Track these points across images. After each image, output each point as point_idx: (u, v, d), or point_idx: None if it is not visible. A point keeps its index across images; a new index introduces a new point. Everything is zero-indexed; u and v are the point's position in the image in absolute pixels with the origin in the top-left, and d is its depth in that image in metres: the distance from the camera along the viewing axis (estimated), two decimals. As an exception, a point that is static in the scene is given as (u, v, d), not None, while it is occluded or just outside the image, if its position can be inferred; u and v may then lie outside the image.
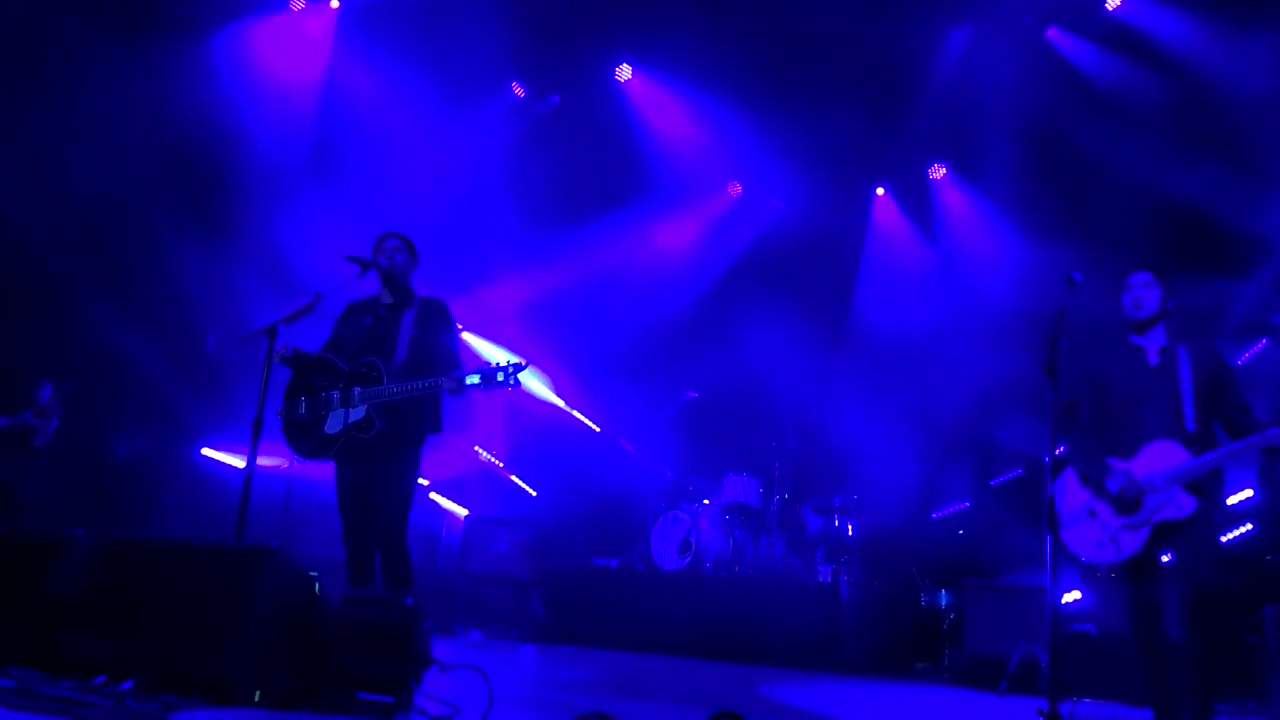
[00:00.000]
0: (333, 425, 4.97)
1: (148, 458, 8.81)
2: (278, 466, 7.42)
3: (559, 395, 10.63)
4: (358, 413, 4.90)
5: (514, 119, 10.55)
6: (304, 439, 5.07)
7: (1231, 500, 7.45)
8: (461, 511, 9.71)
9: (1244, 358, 8.12)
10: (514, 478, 10.52)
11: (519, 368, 4.70)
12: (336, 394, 4.99)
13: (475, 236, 9.93)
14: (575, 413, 10.79)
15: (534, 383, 10.28)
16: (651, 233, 10.83)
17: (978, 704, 6.11)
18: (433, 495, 9.59)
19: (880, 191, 10.77)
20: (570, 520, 9.63)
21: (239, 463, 8.94)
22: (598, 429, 10.73)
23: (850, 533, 8.61)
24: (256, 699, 3.82)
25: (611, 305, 10.45)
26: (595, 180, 10.40)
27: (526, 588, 8.42)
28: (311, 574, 4.28)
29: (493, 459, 10.45)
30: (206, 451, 8.99)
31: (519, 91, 10.57)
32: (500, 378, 4.68)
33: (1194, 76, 8.18)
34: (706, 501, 8.79)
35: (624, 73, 10.48)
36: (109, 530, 4.35)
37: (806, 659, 7.27)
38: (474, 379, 4.74)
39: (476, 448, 10.32)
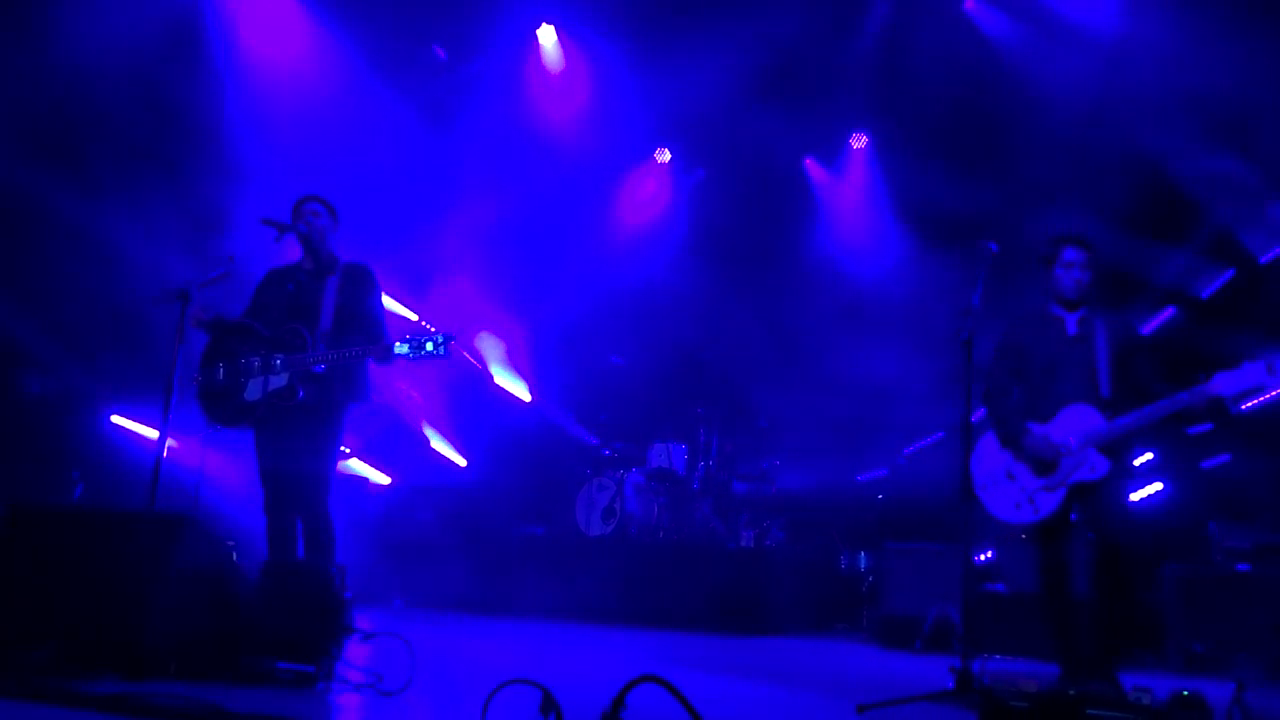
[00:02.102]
0: (252, 393, 4.86)
1: (56, 409, 8.45)
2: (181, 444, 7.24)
3: (485, 362, 10.55)
4: (279, 380, 4.80)
5: (436, 82, 10.34)
6: (221, 406, 4.95)
7: (1136, 462, 7.77)
8: (384, 479, 9.61)
9: (1151, 325, 8.41)
10: (439, 445, 10.43)
11: (449, 337, 4.64)
12: (257, 361, 4.88)
13: (397, 202, 9.75)
14: (501, 380, 10.73)
15: (461, 351, 10.17)
16: (577, 198, 10.75)
17: (894, 662, 6.28)
18: (355, 462, 9.46)
19: (808, 161, 10.85)
20: (495, 487, 9.59)
21: (151, 433, 8.70)
22: (526, 397, 10.69)
23: (773, 498, 8.76)
24: (171, 670, 3.75)
25: (538, 272, 10.37)
26: (520, 145, 10.28)
27: (450, 555, 8.38)
28: (228, 543, 4.22)
29: (418, 426, 10.34)
30: (116, 419, 8.72)
31: (440, 54, 10.36)
32: (430, 347, 4.62)
33: (1113, 45, 8.35)
34: (632, 468, 8.84)
35: (547, 35, 10.35)
36: (15, 497, 4.21)
37: (730, 622, 7.38)
38: (403, 348, 4.66)
39: (402, 415, 10.20)
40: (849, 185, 10.69)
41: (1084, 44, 8.53)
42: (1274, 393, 4.54)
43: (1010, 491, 4.66)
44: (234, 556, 4.18)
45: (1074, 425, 4.55)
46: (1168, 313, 8.46)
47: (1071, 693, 4.24)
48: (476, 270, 10.30)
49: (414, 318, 9.83)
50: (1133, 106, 8.18)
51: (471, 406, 10.44)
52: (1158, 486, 7.85)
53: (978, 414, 4.71)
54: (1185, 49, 7.70)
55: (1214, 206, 8.22)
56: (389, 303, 7.43)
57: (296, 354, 4.80)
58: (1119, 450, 4.52)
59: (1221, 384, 4.27)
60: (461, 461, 10.36)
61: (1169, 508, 7.81)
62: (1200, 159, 8.06)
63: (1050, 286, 4.81)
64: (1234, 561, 6.75)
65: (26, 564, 3.93)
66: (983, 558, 7.29)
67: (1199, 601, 6.46)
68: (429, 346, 4.60)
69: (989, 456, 4.77)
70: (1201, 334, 7.96)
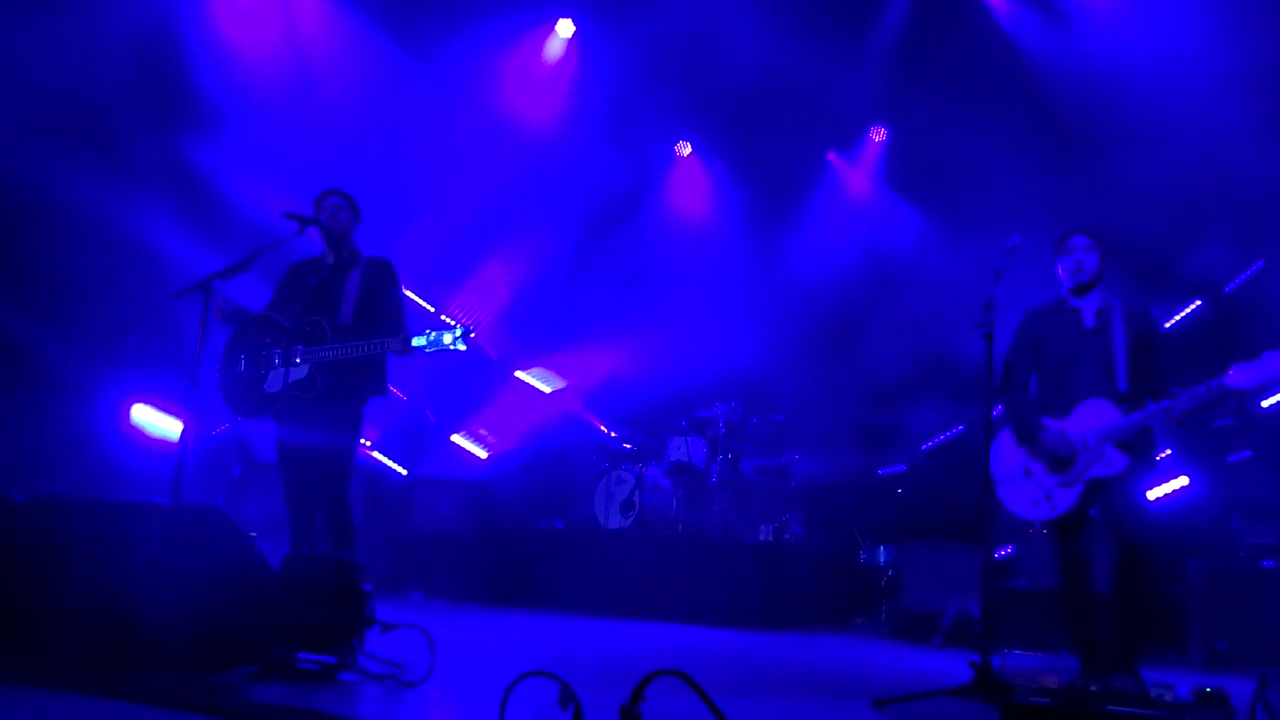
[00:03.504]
0: (273, 384, 4.90)
1: (77, 399, 8.48)
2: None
3: (504, 356, 10.57)
4: (299, 372, 4.84)
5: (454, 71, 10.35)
6: (242, 397, 5.00)
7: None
8: (403, 471, 9.66)
9: (1177, 317, 8.33)
10: (459, 439, 10.46)
11: (467, 331, 4.66)
12: (278, 352, 4.92)
13: (414, 193, 9.77)
14: (520, 374, 10.76)
15: (480, 344, 10.20)
16: (595, 190, 10.74)
17: (913, 657, 6.27)
18: (375, 454, 9.52)
19: (830, 156, 10.81)
20: (514, 480, 9.62)
21: (174, 424, 8.76)
22: (546, 390, 10.71)
23: (791, 492, 8.74)
24: (193, 661, 3.78)
25: (555, 265, 10.38)
26: (532, 139, 10.29)
27: (470, 548, 8.41)
28: (251, 534, 4.24)
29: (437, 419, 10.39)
30: (139, 409, 8.78)
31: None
32: (447, 340, 4.64)
33: (1130, 36, 8.28)
34: (651, 462, 8.85)
35: (565, 28, 10.36)
36: (41, 489, 4.25)
37: (748, 616, 7.38)
38: (420, 341, 4.68)
39: (427, 411, 10.25)
40: (870, 178, 10.65)
41: (1106, 31, 8.45)
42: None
43: (1027, 488, 4.61)
44: (256, 548, 4.21)
45: (1091, 420, 4.48)
46: (1194, 304, 8.37)
47: (1093, 688, 4.22)
48: (495, 260, 10.33)
49: (432, 310, 9.87)
50: (1151, 99, 8.10)
51: (493, 399, 10.47)
52: (1183, 481, 7.77)
53: (997, 409, 4.68)
54: (1204, 35, 7.62)
55: (1242, 198, 8.12)
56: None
57: (316, 346, 4.84)
58: (1137, 445, 4.44)
59: (1239, 377, 4.21)
60: (482, 454, 10.40)
61: (1193, 503, 7.74)
62: (1229, 148, 7.97)
63: (1060, 276, 4.78)
64: (1258, 558, 6.68)
65: (48, 555, 3.96)
66: (1002, 553, 7.25)
67: (1222, 597, 6.42)
68: (447, 340, 4.63)
69: (1006, 453, 4.71)
70: (1230, 325, 7.90)
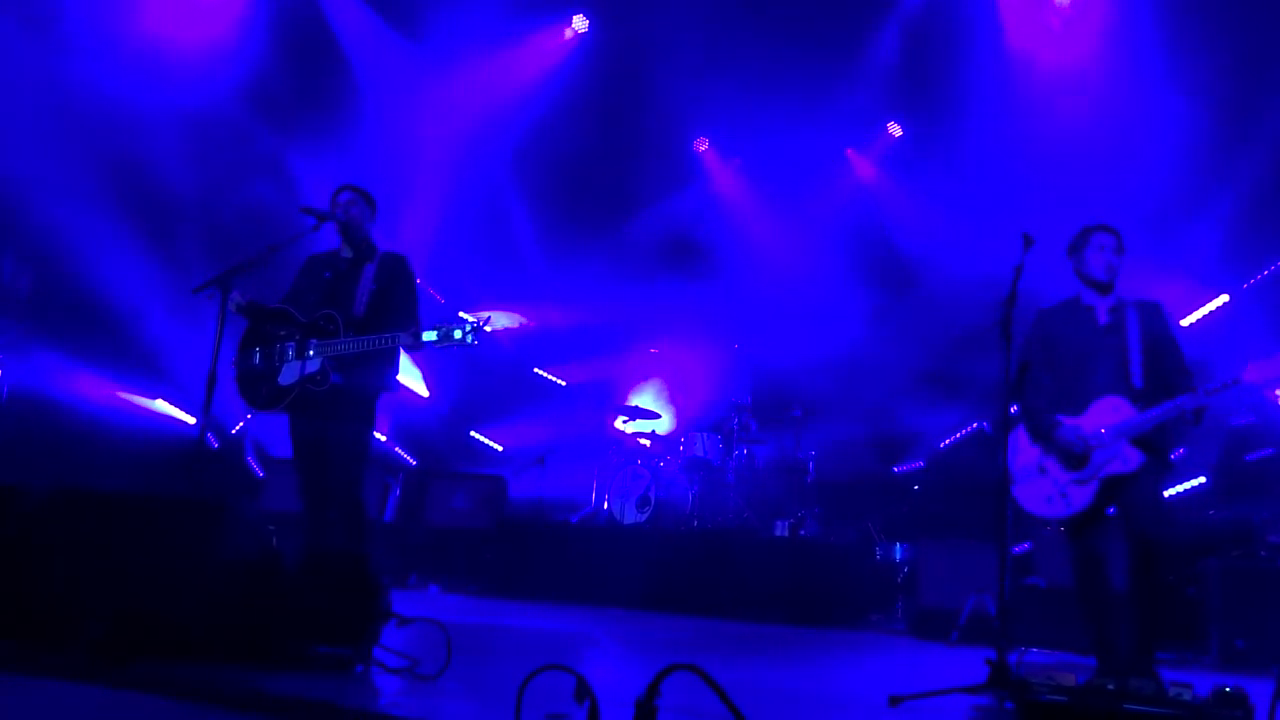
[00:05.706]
0: (287, 377, 4.92)
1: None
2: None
3: (522, 351, 10.59)
4: (312, 365, 4.85)
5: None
6: (257, 390, 5.03)
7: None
8: (415, 464, 9.69)
9: (1195, 315, 8.26)
10: (476, 433, 10.49)
11: (478, 326, 4.66)
12: (292, 346, 4.94)
13: (424, 191, 9.80)
14: (538, 369, 10.78)
15: (497, 333, 10.23)
16: (625, 192, 10.74)
17: (930, 654, 6.25)
18: (393, 449, 9.56)
19: (848, 152, 10.77)
20: (529, 473, 9.65)
21: (188, 418, 8.83)
22: (562, 383, 10.73)
23: (807, 488, 8.73)
24: (211, 653, 3.80)
25: (578, 262, 10.39)
26: (549, 135, 10.30)
27: (485, 542, 8.43)
28: (268, 527, 4.26)
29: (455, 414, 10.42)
30: (160, 404, 8.84)
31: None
32: (458, 334, 4.65)
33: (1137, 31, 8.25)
34: (668, 457, 8.85)
35: (580, 23, 10.36)
36: (59, 481, 4.28)
37: (763, 611, 7.38)
38: (431, 335, 4.69)
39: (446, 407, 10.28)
40: (886, 174, 10.61)
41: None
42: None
43: (1042, 485, 4.58)
44: (273, 542, 4.23)
45: (1106, 417, 4.43)
46: (1219, 300, 8.31)
47: (1110, 687, 4.19)
48: (517, 258, 10.35)
49: (442, 301, 9.90)
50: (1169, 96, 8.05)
51: (508, 393, 10.49)
52: (1200, 480, 7.72)
53: (1014, 407, 4.64)
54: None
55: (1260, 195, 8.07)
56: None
57: (329, 340, 4.85)
58: (1154, 442, 4.40)
59: (1257, 373, 4.16)
60: (498, 447, 10.42)
61: (1213, 501, 7.68)
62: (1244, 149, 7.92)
63: (1081, 271, 4.71)
64: (1278, 556, 6.62)
65: (66, 546, 3.99)
66: (1019, 550, 7.22)
67: (1241, 596, 6.36)
68: (457, 335, 4.63)
69: (1021, 450, 4.67)
70: (1253, 322, 7.85)
